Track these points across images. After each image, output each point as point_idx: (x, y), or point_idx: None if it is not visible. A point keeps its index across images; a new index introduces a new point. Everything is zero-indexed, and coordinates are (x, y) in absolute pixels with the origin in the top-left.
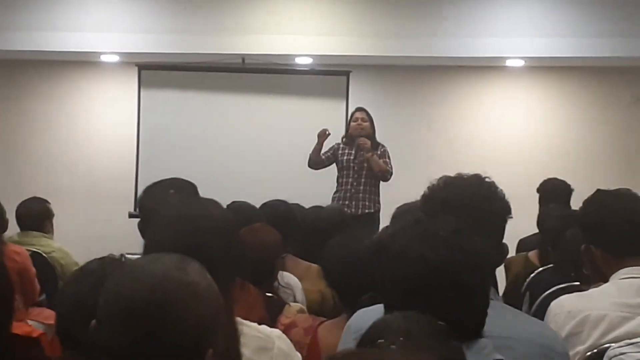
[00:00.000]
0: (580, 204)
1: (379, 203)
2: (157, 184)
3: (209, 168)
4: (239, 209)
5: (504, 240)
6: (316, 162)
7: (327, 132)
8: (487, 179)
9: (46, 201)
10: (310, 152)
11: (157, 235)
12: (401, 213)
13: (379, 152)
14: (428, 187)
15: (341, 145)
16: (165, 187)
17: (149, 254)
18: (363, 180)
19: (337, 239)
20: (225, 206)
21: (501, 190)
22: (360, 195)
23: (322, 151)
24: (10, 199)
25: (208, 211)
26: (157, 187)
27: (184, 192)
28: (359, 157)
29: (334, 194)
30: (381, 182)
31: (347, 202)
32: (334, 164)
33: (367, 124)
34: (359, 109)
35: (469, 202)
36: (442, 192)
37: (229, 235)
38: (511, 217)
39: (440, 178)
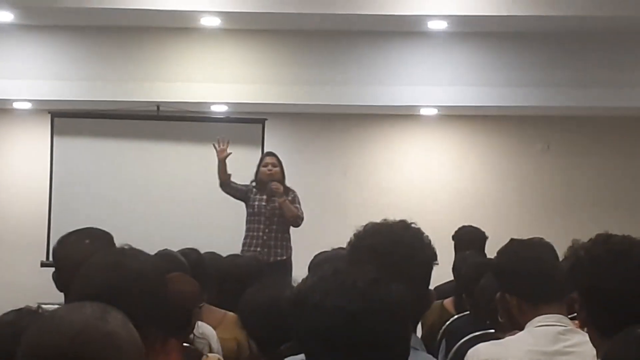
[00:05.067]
0: (494, 252)
1: (290, 249)
2: (72, 233)
3: (123, 216)
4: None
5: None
6: (225, 183)
7: (223, 142)
8: (413, 225)
9: None
10: (217, 172)
11: (78, 285)
12: (320, 262)
13: (290, 198)
14: (354, 234)
15: (253, 190)
16: (81, 236)
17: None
18: (275, 227)
19: (255, 287)
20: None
21: (427, 236)
22: (272, 242)
23: (238, 183)
24: None
25: (128, 259)
26: (72, 237)
27: (100, 241)
28: (271, 203)
29: (244, 239)
30: (292, 228)
31: (258, 249)
32: (244, 206)
33: (277, 169)
34: (268, 154)
35: (394, 249)
36: (368, 239)
37: (149, 284)
38: (437, 264)
39: (367, 225)
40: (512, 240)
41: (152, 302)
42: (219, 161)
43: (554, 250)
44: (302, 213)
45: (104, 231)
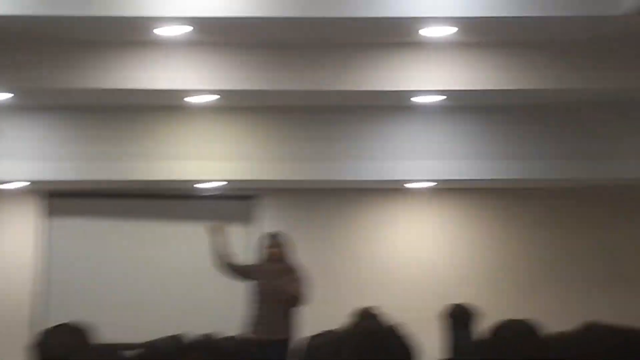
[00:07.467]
0: (486, 326)
1: (293, 328)
2: (52, 329)
3: (116, 294)
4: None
5: None
6: (226, 264)
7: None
8: (399, 332)
9: None
10: (215, 251)
11: None
12: (316, 346)
13: (294, 277)
14: (343, 331)
15: (255, 270)
16: (61, 332)
17: None
18: (276, 305)
19: None
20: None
21: (413, 340)
22: (274, 320)
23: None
24: None
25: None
26: (52, 332)
27: (80, 337)
28: (272, 283)
29: (248, 318)
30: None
31: (259, 327)
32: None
33: (278, 249)
34: (271, 234)
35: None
36: (354, 343)
37: None
38: None
39: (354, 321)
40: (500, 324)
41: None
42: (213, 240)
43: (537, 331)
44: (304, 294)
45: (83, 327)
